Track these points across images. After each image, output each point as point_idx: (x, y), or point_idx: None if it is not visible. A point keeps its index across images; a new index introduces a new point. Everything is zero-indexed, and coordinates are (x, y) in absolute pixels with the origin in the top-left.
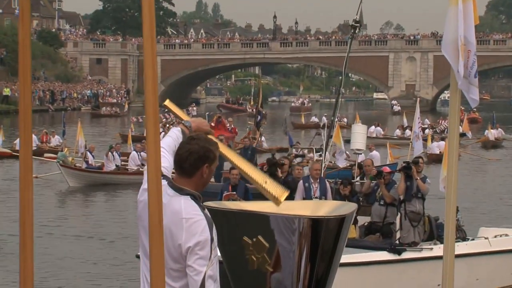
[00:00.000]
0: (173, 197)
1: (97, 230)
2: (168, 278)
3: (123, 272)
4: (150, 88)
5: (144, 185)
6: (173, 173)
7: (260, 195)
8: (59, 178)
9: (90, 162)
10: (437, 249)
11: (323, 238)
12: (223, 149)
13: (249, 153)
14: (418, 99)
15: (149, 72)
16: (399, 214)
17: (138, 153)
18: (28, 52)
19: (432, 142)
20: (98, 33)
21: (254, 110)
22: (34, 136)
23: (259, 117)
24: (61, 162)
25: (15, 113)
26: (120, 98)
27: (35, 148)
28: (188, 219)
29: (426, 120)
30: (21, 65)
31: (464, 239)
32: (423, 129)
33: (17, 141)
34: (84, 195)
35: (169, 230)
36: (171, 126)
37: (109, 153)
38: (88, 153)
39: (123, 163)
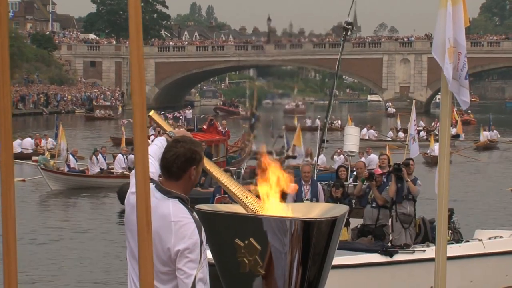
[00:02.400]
0: (161, 200)
1: (80, 233)
2: (157, 282)
3: (109, 275)
4: (137, 91)
5: (132, 189)
6: (160, 177)
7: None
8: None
9: (72, 166)
10: (430, 251)
11: (314, 240)
12: (206, 163)
13: None
14: (414, 101)
15: (136, 75)
16: (391, 216)
17: (124, 156)
18: (6, 53)
19: (435, 144)
20: (93, 34)
21: (248, 113)
22: (30, 139)
23: (253, 120)
24: (42, 165)
25: None
26: (114, 101)
27: (31, 151)
28: (176, 222)
29: (421, 122)
30: (1, 69)
31: (458, 241)
32: (418, 131)
33: None
34: (66, 199)
35: (158, 234)
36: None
37: (93, 156)
38: (71, 156)
39: (111, 166)
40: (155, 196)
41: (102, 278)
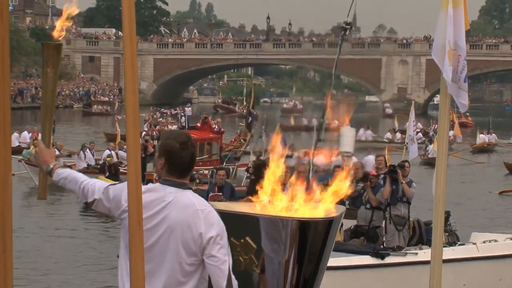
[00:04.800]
0: (178, 193)
1: (65, 229)
2: (181, 275)
3: (94, 270)
4: (130, 88)
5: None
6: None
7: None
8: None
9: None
10: (422, 254)
11: (311, 240)
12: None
13: (229, 192)
14: (413, 102)
15: (129, 72)
16: (385, 218)
17: (111, 151)
18: (6, 51)
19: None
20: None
21: (245, 111)
22: (26, 133)
23: (250, 119)
24: (26, 159)
25: None
26: (112, 97)
27: (26, 146)
28: (203, 210)
29: (419, 124)
30: (0, 63)
31: (452, 244)
32: (416, 133)
33: None
34: (50, 194)
35: (185, 223)
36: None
37: (81, 152)
38: (56, 150)
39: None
40: (168, 191)
41: (87, 273)
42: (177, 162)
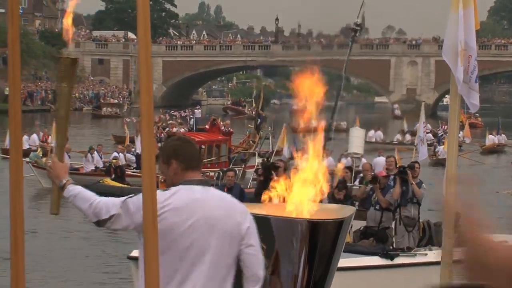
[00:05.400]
0: (206, 191)
1: (71, 232)
2: (224, 268)
3: (102, 272)
4: (144, 90)
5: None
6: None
7: (254, 197)
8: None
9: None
10: (432, 255)
11: (321, 241)
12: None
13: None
14: (423, 103)
15: (144, 75)
16: (394, 219)
17: (118, 153)
18: (17, 54)
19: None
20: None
21: (254, 113)
22: (35, 136)
23: (259, 120)
24: (33, 162)
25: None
26: (121, 99)
27: (35, 148)
28: (234, 202)
29: (428, 125)
30: (11, 68)
31: None
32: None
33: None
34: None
35: (224, 216)
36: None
37: (88, 154)
38: (65, 154)
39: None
40: (196, 189)
41: (95, 275)
42: (188, 156)
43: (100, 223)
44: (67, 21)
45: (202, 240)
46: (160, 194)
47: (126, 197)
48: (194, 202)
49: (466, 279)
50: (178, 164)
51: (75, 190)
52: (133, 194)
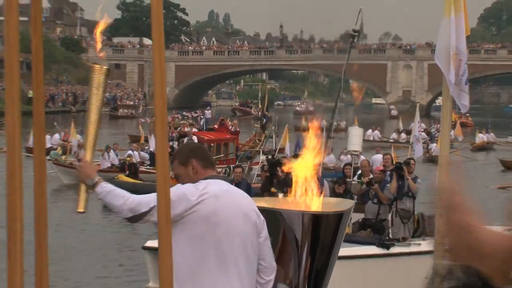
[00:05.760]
0: (228, 185)
1: (91, 224)
2: (254, 255)
3: (125, 264)
4: (159, 94)
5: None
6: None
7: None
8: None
9: None
10: (425, 245)
11: (323, 232)
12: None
13: (245, 188)
14: (418, 105)
15: (158, 79)
16: (391, 211)
17: (133, 151)
18: (40, 59)
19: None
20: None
21: (260, 113)
22: (57, 136)
23: (264, 120)
24: (54, 160)
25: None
26: (136, 101)
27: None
28: (249, 197)
29: (422, 124)
30: (34, 72)
31: None
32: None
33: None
34: (77, 192)
35: (250, 208)
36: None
37: (105, 152)
38: (82, 152)
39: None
40: (222, 183)
41: (111, 265)
42: (205, 155)
43: (135, 217)
44: (97, 36)
45: (238, 227)
46: (195, 185)
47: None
48: (226, 193)
49: (454, 261)
50: (198, 163)
51: (108, 187)
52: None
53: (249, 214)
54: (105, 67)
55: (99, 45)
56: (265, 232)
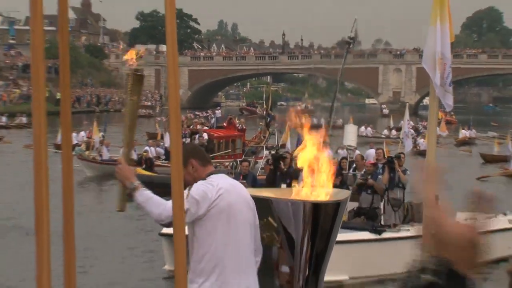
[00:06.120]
0: (232, 180)
1: (112, 212)
2: (254, 241)
3: (144, 251)
4: (173, 95)
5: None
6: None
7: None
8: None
9: (104, 156)
10: (414, 230)
11: (322, 219)
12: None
13: (252, 179)
14: (407, 104)
15: (173, 84)
16: (383, 200)
17: (149, 147)
18: (66, 64)
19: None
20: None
21: (264, 112)
22: (83, 133)
23: (268, 119)
24: (78, 155)
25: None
26: (153, 101)
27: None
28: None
29: (411, 122)
30: (62, 76)
31: None
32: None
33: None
34: (99, 183)
35: (250, 199)
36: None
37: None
38: (104, 148)
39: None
40: (228, 179)
41: (130, 251)
42: (202, 154)
43: (171, 223)
44: (132, 58)
45: (250, 220)
46: (209, 182)
47: (185, 191)
48: (233, 186)
49: (430, 252)
50: (197, 162)
51: (148, 194)
52: (188, 188)
53: (250, 203)
54: (139, 73)
55: (131, 55)
56: (258, 220)
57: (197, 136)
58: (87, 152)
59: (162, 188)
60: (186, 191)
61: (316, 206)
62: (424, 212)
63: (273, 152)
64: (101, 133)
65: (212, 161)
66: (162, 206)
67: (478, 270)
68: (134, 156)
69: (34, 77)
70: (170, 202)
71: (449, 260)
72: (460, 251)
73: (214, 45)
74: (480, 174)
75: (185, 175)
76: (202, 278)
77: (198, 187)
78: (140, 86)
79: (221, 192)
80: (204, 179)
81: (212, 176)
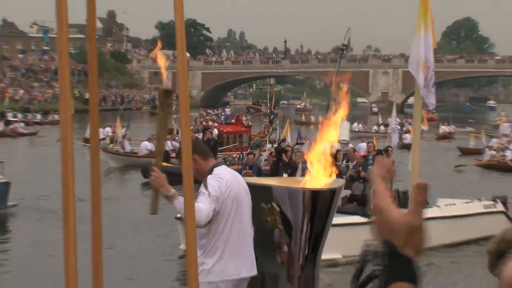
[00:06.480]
0: (231, 170)
1: (133, 198)
2: (252, 229)
3: (160, 235)
4: (183, 96)
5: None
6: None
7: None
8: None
9: (126, 149)
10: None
11: (320, 205)
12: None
13: (257, 170)
14: (395, 103)
15: (182, 85)
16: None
17: (166, 141)
18: (95, 68)
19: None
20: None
21: (268, 110)
22: (108, 129)
23: (272, 116)
24: (103, 148)
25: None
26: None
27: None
28: None
29: (397, 119)
30: (91, 78)
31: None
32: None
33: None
34: (122, 173)
35: (246, 187)
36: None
37: (145, 142)
38: (126, 141)
39: None
40: (228, 170)
41: (147, 234)
42: (203, 148)
43: (207, 223)
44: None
45: (248, 204)
46: (218, 175)
47: (204, 191)
48: (234, 176)
49: (377, 236)
50: (199, 156)
51: (183, 201)
52: (204, 187)
53: (247, 189)
54: (169, 89)
55: (164, 74)
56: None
57: (208, 131)
58: (111, 145)
59: (176, 177)
60: (204, 189)
61: (315, 193)
62: (373, 202)
63: (275, 145)
64: (123, 129)
65: (222, 153)
66: (199, 213)
67: (420, 254)
68: (153, 148)
69: (61, 80)
70: (203, 206)
71: (394, 244)
72: (404, 236)
73: (224, 51)
74: (458, 164)
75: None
76: (216, 257)
77: (213, 185)
78: (170, 100)
79: (229, 184)
80: (208, 171)
81: (216, 169)
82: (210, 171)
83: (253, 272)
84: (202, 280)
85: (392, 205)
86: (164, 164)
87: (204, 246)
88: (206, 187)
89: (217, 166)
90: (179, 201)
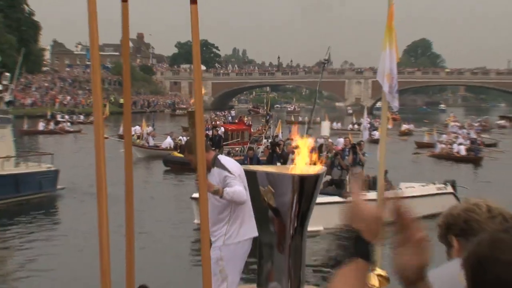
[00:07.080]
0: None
1: (153, 181)
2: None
3: (175, 212)
4: (198, 101)
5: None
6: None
7: (266, 162)
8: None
9: (150, 143)
10: (371, 195)
11: (306, 187)
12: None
13: (256, 161)
14: (366, 107)
15: (198, 92)
16: (348, 174)
17: (183, 137)
18: (128, 79)
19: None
20: (175, 67)
21: (265, 112)
22: (138, 127)
23: (268, 117)
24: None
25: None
26: (188, 105)
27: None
28: None
29: (368, 119)
30: (125, 87)
31: (388, 189)
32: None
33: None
34: (147, 163)
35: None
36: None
37: (168, 137)
38: (150, 137)
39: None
40: (227, 157)
41: (163, 213)
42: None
43: (246, 200)
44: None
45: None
46: (228, 160)
47: (231, 175)
48: (236, 164)
49: (346, 223)
50: None
51: (229, 191)
52: (228, 172)
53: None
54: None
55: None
56: None
57: (216, 129)
58: (138, 141)
59: (184, 165)
60: (230, 174)
61: (302, 178)
62: (348, 200)
63: (270, 140)
64: (150, 127)
65: (227, 147)
66: (240, 194)
67: (381, 239)
68: (172, 143)
69: (94, 89)
70: (241, 189)
71: (360, 231)
72: (370, 225)
73: (229, 65)
74: (415, 152)
75: (193, 160)
76: (238, 223)
77: (235, 169)
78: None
79: (238, 165)
80: (213, 160)
81: (220, 157)
82: (214, 160)
83: (257, 233)
84: (232, 242)
85: (362, 200)
86: (180, 155)
87: (226, 217)
88: (230, 172)
89: (219, 156)
90: (227, 193)
